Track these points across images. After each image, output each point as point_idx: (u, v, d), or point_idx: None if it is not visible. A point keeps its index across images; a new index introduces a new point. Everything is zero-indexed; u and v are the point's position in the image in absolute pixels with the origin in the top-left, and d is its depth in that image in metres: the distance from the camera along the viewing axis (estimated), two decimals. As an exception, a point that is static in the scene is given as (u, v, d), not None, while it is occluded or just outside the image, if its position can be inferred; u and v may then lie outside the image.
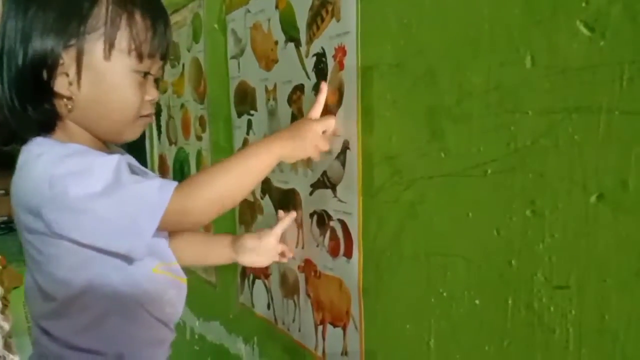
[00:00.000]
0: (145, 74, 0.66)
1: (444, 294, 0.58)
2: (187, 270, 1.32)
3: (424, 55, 0.57)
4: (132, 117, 0.67)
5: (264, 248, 0.82)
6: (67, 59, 0.61)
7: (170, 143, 1.39)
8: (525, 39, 0.47)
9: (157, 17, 0.66)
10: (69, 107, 0.64)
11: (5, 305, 2.35)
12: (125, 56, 0.63)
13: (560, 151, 0.45)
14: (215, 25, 1.05)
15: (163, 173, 1.46)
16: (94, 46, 0.62)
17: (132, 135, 0.70)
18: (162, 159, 1.47)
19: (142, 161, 1.64)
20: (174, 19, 1.28)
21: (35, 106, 0.63)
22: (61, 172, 0.59)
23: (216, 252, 0.87)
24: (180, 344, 1.45)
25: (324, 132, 0.70)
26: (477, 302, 0.54)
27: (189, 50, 1.20)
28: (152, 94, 0.68)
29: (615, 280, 0.42)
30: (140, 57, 0.64)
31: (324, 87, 0.70)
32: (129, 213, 0.60)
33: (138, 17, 0.63)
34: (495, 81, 0.50)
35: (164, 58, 0.68)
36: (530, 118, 0.47)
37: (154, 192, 0.60)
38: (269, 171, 0.66)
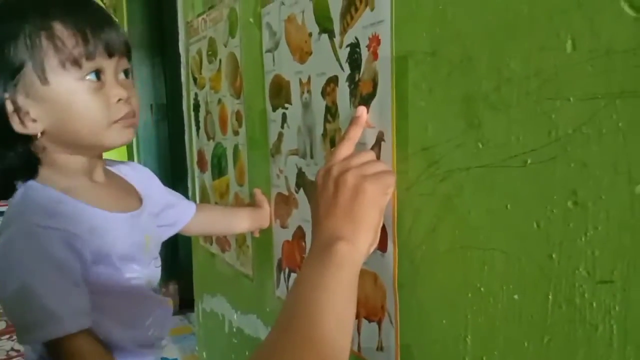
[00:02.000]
0: (98, 76, 0.65)
1: (482, 289, 0.56)
2: (226, 263, 1.34)
3: (461, 41, 0.55)
4: (103, 124, 0.66)
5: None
6: (20, 100, 0.63)
7: (209, 138, 1.41)
8: (565, 22, 0.45)
9: (81, 16, 0.64)
10: (41, 144, 0.66)
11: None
12: (61, 71, 0.62)
13: (604, 139, 0.42)
14: (251, 20, 1.05)
15: (202, 168, 1.48)
16: (31, 78, 0.62)
17: (116, 140, 0.68)
18: (200, 154, 1.48)
19: (182, 156, 1.67)
20: (210, 15, 1.30)
21: (7, 154, 0.65)
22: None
23: (237, 222, 1.02)
24: (219, 337, 1.47)
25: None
26: (515, 297, 0.52)
27: (225, 46, 1.21)
28: (116, 93, 0.66)
29: (663, 275, 0.39)
30: (77, 64, 0.62)
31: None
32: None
33: (58, 26, 0.62)
34: (535, 67, 0.47)
35: (112, 53, 0.65)
36: (572, 105, 0.44)
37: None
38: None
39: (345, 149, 0.65)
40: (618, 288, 0.42)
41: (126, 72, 0.70)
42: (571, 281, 0.46)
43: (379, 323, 0.73)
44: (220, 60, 1.26)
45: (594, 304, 0.44)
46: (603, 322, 0.43)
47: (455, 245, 0.59)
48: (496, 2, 0.51)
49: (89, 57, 0.63)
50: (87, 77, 0.64)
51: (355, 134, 0.66)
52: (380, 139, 0.68)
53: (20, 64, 0.62)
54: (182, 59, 1.59)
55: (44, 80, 0.62)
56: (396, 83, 0.64)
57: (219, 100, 1.29)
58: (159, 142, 2.65)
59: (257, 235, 1.07)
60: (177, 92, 1.67)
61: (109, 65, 0.66)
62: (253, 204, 1.06)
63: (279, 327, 0.54)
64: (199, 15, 1.39)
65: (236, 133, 1.21)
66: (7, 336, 1.72)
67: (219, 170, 1.35)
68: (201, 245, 1.56)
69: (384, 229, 0.69)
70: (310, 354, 0.50)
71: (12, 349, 1.64)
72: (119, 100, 0.66)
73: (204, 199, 1.48)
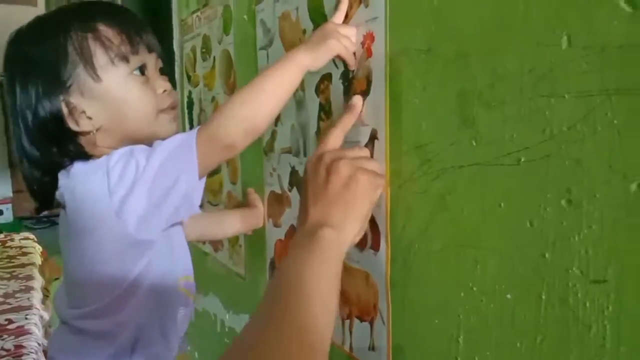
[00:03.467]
0: (143, 71, 0.69)
1: (474, 288, 0.56)
2: (218, 262, 1.33)
3: (455, 38, 0.55)
4: (153, 116, 0.70)
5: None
6: (75, 100, 0.66)
7: (202, 136, 1.39)
8: (561, 19, 0.44)
9: (123, 19, 0.70)
10: (93, 140, 0.69)
11: (46, 296, 2.42)
12: (111, 68, 0.67)
13: (599, 137, 0.42)
14: (245, 17, 1.04)
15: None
16: (84, 78, 0.66)
17: (164, 130, 0.72)
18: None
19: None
20: (205, 13, 1.29)
21: (58, 152, 0.68)
22: (113, 161, 0.65)
23: (229, 226, 1.01)
24: (211, 337, 1.46)
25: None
26: (508, 296, 0.52)
27: (219, 43, 1.20)
28: (161, 85, 0.71)
29: (657, 274, 0.39)
30: (125, 59, 0.67)
31: None
32: (169, 165, 0.63)
33: (103, 27, 0.67)
34: (530, 64, 0.47)
35: (152, 49, 0.71)
36: (567, 102, 0.44)
37: (181, 135, 0.64)
38: (298, 83, 0.66)
39: (335, 137, 0.65)
40: (612, 287, 0.42)
41: (161, 70, 0.75)
42: (564, 280, 0.46)
43: (371, 323, 0.72)
44: (214, 58, 1.25)
45: (588, 304, 0.44)
46: (597, 322, 0.43)
47: (448, 244, 0.59)
48: (491, -1, 0.50)
49: (135, 52, 0.68)
50: (134, 72, 0.69)
51: (348, 123, 0.66)
52: (373, 136, 0.68)
53: (72, 67, 0.66)
54: (176, 57, 1.58)
55: (97, 77, 0.66)
56: (390, 80, 0.64)
57: (213, 98, 1.28)
58: (153, 140, 2.63)
59: (250, 233, 1.07)
60: (171, 90, 1.66)
61: (150, 61, 0.71)
62: (246, 203, 1.05)
63: (262, 314, 0.52)
64: (193, 13, 1.38)
65: (230, 131, 1.20)
66: (-3, 335, 1.70)
67: (212, 168, 1.34)
68: (193, 243, 1.55)
69: (376, 227, 0.69)
70: (296, 342, 0.48)
71: (2, 349, 1.62)
72: (164, 91, 0.72)
73: (197, 198, 1.47)
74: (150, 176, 0.63)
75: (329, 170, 0.60)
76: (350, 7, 0.69)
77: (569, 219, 0.45)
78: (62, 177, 0.70)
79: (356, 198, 0.59)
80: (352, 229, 0.59)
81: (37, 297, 2.19)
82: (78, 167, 0.68)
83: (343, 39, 0.67)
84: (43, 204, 0.75)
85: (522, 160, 0.48)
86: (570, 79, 0.44)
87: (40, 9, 6.25)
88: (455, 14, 0.54)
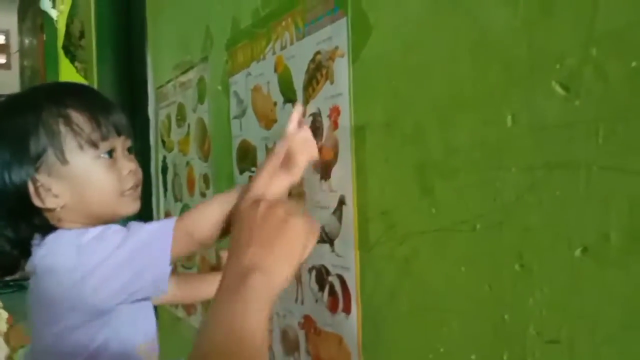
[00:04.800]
0: (111, 154, 0.72)
1: (441, 350, 0.58)
2: (192, 327, 1.32)
3: (412, 114, 0.59)
4: (116, 197, 0.72)
5: None
6: (42, 179, 0.68)
7: (176, 200, 1.41)
8: (505, 99, 0.49)
9: (93, 104, 0.72)
10: (58, 216, 0.70)
11: (10, 366, 2.33)
12: (79, 152, 0.69)
13: (544, 206, 0.46)
14: (219, 87, 1.09)
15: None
16: (53, 160, 0.68)
17: (126, 210, 0.74)
18: (167, 215, 1.48)
19: (149, 218, 1.66)
20: (180, 80, 1.33)
21: (25, 227, 0.71)
22: (86, 239, 0.67)
23: (204, 289, 1.00)
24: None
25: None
26: (473, 357, 0.54)
27: (194, 111, 1.24)
28: (127, 166, 0.73)
29: (604, 335, 0.42)
30: (94, 145, 0.70)
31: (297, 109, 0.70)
32: (143, 250, 0.66)
33: (74, 114, 0.69)
34: (480, 139, 0.51)
35: (120, 133, 0.73)
36: (514, 174, 0.48)
37: (159, 224, 0.68)
38: None
39: (264, 179, 0.66)
40: (565, 348, 0.45)
41: (129, 149, 0.77)
42: (523, 341, 0.48)
43: (345, 387, 0.73)
44: (188, 125, 1.28)
45: (544, 364, 0.46)
46: (553, 381, 0.45)
47: (415, 307, 0.61)
48: (443, 79, 0.55)
49: (104, 138, 0.70)
50: (102, 156, 0.70)
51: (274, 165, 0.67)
52: (341, 202, 0.71)
53: (42, 149, 0.68)
54: (152, 123, 1.61)
55: (64, 161, 0.68)
56: (356, 150, 0.68)
57: (187, 163, 1.31)
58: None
59: None
60: (145, 154, 1.68)
61: (118, 143, 0.73)
62: (219, 266, 1.06)
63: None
64: (168, 82, 1.43)
65: (203, 195, 1.22)
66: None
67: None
68: (166, 308, 1.53)
69: (347, 290, 0.71)
70: None
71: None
72: (129, 172, 0.74)
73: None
74: (122, 258, 0.65)
75: (264, 214, 0.60)
76: (317, 82, 0.74)
77: (523, 282, 0.48)
78: (34, 247, 0.71)
79: (289, 242, 0.59)
80: (283, 272, 0.58)
81: (1, 367, 2.11)
82: (50, 238, 0.70)
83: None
84: (5, 272, 0.76)
85: (478, 227, 0.52)
86: (515, 153, 0.48)
87: (14, 73, 6.30)
88: (411, 92, 0.59)
